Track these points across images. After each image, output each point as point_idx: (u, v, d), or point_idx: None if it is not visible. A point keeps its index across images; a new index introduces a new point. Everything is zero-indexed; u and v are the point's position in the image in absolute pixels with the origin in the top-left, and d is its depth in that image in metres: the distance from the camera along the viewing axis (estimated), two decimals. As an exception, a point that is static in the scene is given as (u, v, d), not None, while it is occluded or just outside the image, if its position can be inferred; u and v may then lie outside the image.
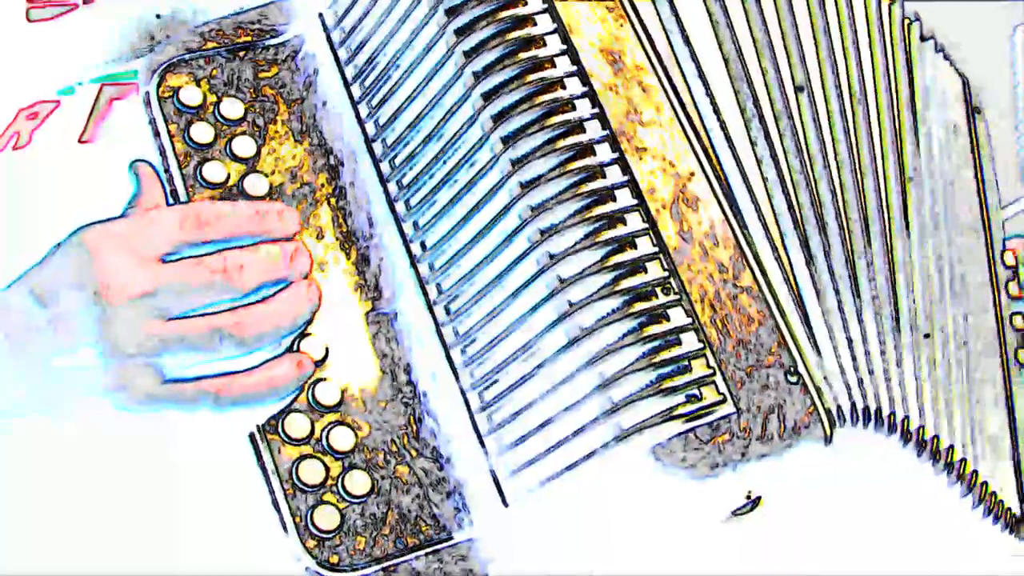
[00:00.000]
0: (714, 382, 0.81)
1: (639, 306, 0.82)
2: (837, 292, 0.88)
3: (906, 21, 1.00)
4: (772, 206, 0.88)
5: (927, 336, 0.91)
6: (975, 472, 0.91)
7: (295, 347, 0.88)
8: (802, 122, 0.91)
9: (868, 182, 0.92)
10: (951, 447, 0.90)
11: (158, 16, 1.00)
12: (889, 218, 0.92)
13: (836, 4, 0.96)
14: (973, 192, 0.98)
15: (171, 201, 0.92)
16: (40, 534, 0.88)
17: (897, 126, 0.95)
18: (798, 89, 0.92)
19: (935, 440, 0.89)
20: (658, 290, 0.82)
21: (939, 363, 0.91)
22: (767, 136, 0.90)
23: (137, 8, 1.00)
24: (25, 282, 0.86)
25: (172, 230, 0.85)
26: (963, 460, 0.90)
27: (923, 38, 1.00)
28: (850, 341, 0.87)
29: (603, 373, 0.81)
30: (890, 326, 0.89)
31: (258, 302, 0.86)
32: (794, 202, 0.89)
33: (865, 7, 0.98)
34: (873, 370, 0.87)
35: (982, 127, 1.01)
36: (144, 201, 0.91)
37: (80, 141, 0.98)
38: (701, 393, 0.81)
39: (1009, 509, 0.92)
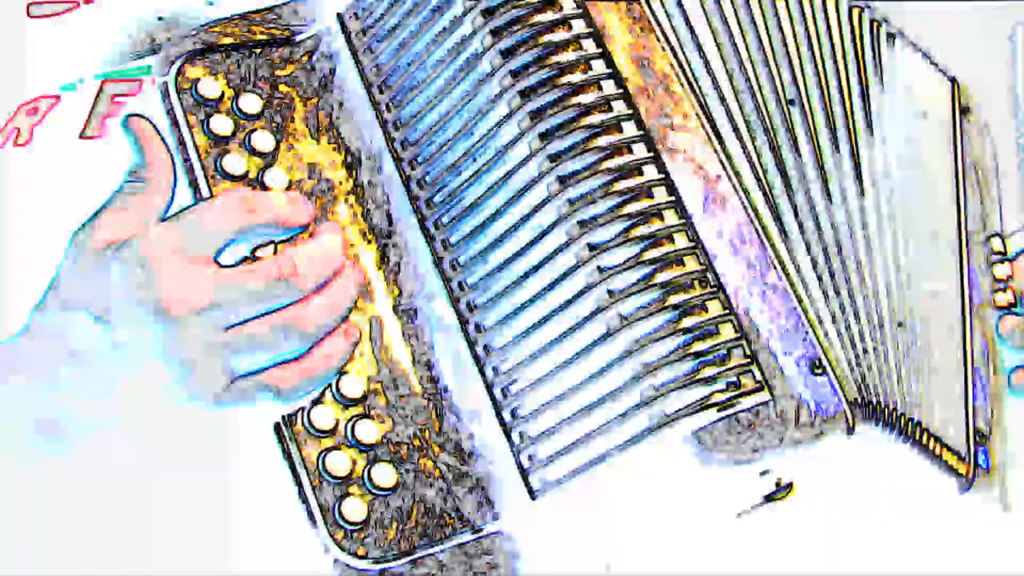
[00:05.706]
0: (751, 370, 0.84)
1: (677, 297, 0.84)
2: (837, 293, 0.92)
3: (875, 24, 1.04)
4: (779, 210, 0.92)
5: (900, 325, 0.95)
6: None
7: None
8: (794, 133, 0.96)
9: (833, 179, 0.96)
10: (930, 432, 0.94)
11: (160, 18, 1.00)
12: (863, 213, 0.97)
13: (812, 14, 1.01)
14: (949, 185, 1.03)
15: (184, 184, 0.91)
16: (51, 528, 0.85)
17: (852, 127, 0.99)
18: (789, 103, 0.97)
19: (924, 432, 0.93)
20: (695, 282, 0.85)
21: (911, 350, 0.95)
22: (771, 146, 0.94)
23: (139, 8, 0.99)
24: (77, 302, 0.85)
25: (221, 223, 0.86)
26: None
27: (890, 36, 1.04)
28: (851, 337, 0.91)
29: (642, 362, 0.83)
30: (878, 320, 0.94)
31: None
32: (794, 205, 0.93)
33: (828, 13, 1.01)
34: (871, 365, 0.91)
35: (969, 125, 1.06)
36: (150, 171, 0.90)
37: (81, 137, 0.96)
38: (739, 381, 0.83)
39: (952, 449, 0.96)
